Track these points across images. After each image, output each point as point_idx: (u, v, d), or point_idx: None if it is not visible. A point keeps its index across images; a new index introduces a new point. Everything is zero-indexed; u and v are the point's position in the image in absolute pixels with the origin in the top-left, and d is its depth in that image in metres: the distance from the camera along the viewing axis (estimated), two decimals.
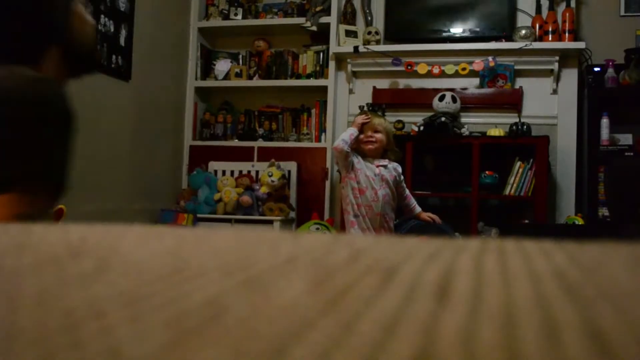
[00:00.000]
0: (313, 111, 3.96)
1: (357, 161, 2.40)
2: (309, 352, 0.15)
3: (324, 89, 3.87)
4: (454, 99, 3.49)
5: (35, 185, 0.97)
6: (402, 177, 2.53)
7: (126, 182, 3.40)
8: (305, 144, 3.90)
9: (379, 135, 2.42)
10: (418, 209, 2.58)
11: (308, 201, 3.78)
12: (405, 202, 2.56)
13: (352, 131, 2.39)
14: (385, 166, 2.44)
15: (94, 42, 1.19)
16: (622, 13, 3.60)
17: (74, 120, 1.05)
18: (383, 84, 3.81)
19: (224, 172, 3.81)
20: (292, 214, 3.69)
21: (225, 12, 4.11)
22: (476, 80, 3.65)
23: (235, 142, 4.03)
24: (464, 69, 3.53)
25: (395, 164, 2.51)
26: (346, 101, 3.88)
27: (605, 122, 3.34)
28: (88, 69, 1.19)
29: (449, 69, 3.54)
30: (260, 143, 3.95)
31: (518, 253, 0.31)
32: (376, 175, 2.40)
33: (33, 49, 1.07)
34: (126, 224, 0.48)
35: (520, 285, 0.23)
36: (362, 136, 2.43)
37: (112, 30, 3.22)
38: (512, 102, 3.58)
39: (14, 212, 0.93)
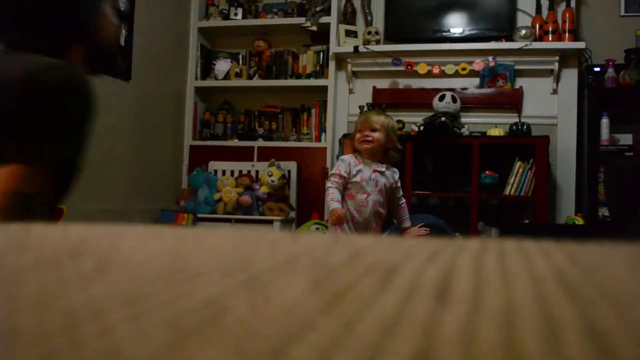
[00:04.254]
0: (313, 111, 3.96)
1: (355, 166, 2.30)
2: (309, 352, 0.15)
3: (324, 89, 3.87)
4: (454, 99, 3.49)
5: (37, 160, 0.98)
6: (399, 184, 2.42)
7: (126, 182, 3.40)
8: (305, 144, 3.90)
9: (376, 135, 2.30)
10: (407, 223, 2.44)
11: (308, 201, 3.78)
12: (397, 212, 2.43)
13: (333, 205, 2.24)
14: (382, 172, 2.33)
15: (117, 43, 1.22)
16: (622, 13, 3.60)
17: (93, 105, 1.07)
18: (383, 84, 3.81)
19: (224, 172, 3.81)
20: (292, 214, 3.69)
21: (225, 12, 4.11)
22: (476, 80, 3.65)
23: (235, 142, 4.03)
24: (464, 69, 3.53)
25: (394, 170, 2.40)
26: (346, 101, 3.88)
27: (605, 122, 3.34)
28: (105, 68, 1.25)
29: (449, 69, 3.54)
30: (260, 143, 3.95)
31: (518, 253, 0.31)
32: (371, 180, 2.29)
33: (58, 44, 1.12)
34: (126, 224, 0.48)
35: (520, 285, 0.23)
36: (358, 135, 2.33)
37: None
38: (512, 102, 3.58)
39: (13, 187, 0.94)
